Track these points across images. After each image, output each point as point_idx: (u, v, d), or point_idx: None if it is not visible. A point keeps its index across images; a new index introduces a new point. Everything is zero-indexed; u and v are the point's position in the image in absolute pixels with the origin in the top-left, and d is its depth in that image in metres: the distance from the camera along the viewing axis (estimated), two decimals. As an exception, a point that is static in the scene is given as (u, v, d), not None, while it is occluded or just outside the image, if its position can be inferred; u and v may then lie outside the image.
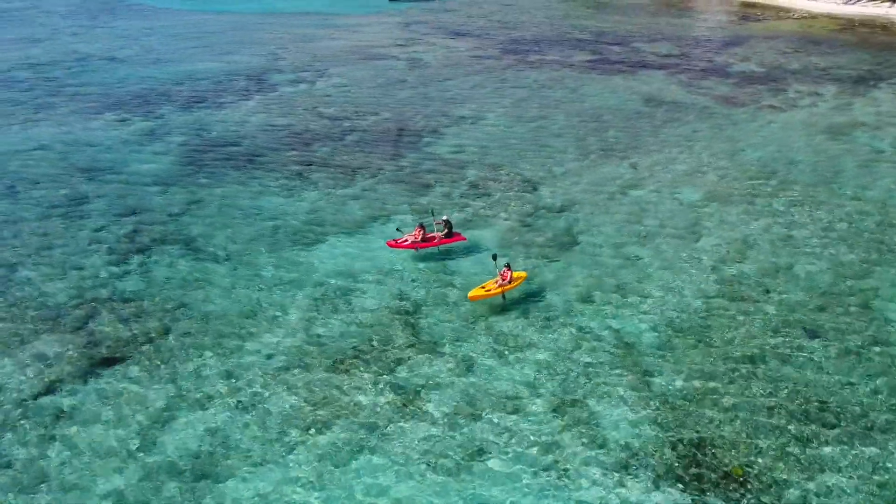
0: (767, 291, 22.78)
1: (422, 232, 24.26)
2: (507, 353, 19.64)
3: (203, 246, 25.40)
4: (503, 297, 21.51)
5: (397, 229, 25.23)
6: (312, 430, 16.56)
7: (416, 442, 16.27)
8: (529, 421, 17.02)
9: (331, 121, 40.69)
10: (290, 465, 15.49)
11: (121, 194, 29.82)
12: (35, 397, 17.39)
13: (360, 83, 49.68)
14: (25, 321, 20.50)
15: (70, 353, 19.08)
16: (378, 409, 17.27)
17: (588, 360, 19.38)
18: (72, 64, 54.13)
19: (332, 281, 23.16)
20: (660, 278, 23.60)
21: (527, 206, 29.34)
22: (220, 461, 15.54)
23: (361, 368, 18.81)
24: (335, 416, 17.02)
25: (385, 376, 18.50)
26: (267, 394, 17.74)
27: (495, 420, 17.03)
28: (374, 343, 19.92)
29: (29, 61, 54.87)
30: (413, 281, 23.30)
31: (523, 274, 22.66)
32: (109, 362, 18.81)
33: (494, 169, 33.41)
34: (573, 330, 20.74)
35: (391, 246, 24.38)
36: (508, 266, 21.68)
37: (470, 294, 21.35)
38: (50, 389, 17.66)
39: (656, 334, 20.42)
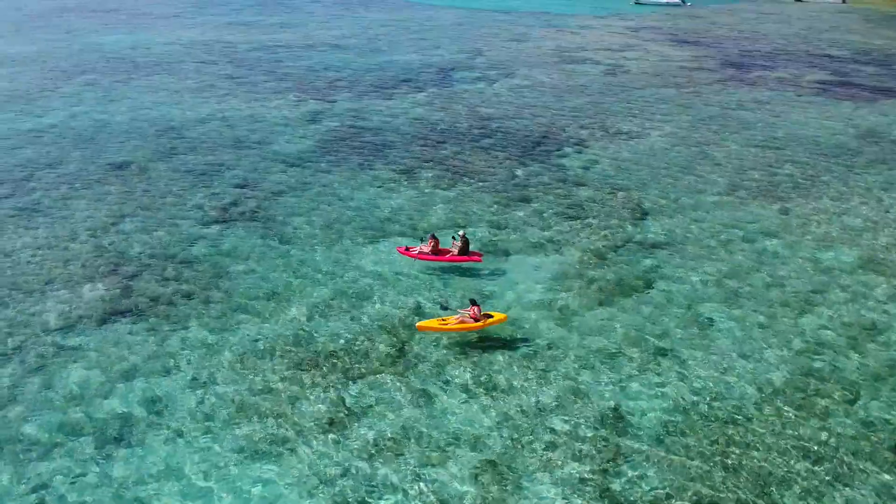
0: (852, 402, 17.17)
1: (434, 243, 22.79)
2: (476, 396, 17.51)
3: (279, 226, 26.65)
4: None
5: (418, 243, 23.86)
6: (237, 420, 16.47)
7: (313, 463, 15.30)
8: (439, 479, 14.97)
9: (480, 121, 40.02)
10: (194, 448, 15.57)
11: (250, 168, 32.61)
12: (56, 330, 19.81)
13: (539, 87, 48.17)
14: (91, 265, 23.46)
15: (101, 297, 21.40)
16: (307, 418, 16.59)
17: (558, 426, 16.46)
18: (298, 49, 60.56)
19: (362, 281, 22.77)
20: (717, 352, 19.14)
21: (618, 237, 25.82)
22: (139, 426, 16.21)
23: (323, 372, 18.23)
24: (266, 413, 16.73)
25: (338, 387, 17.70)
26: (223, 374, 18.06)
27: (409, 465, 15.30)
28: (354, 350, 19.15)
29: (267, 44, 62.72)
30: (433, 295, 21.89)
31: (502, 316, 19.87)
32: (126, 313, 20.69)
33: (613, 191, 30.00)
34: (563, 386, 17.78)
35: (401, 252, 23.31)
36: (474, 302, 19.29)
37: (419, 324, 19.34)
38: (68, 325, 20.00)
39: (661, 421, 16.59)
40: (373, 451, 15.68)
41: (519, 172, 32.15)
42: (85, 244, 24.89)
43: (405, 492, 14.56)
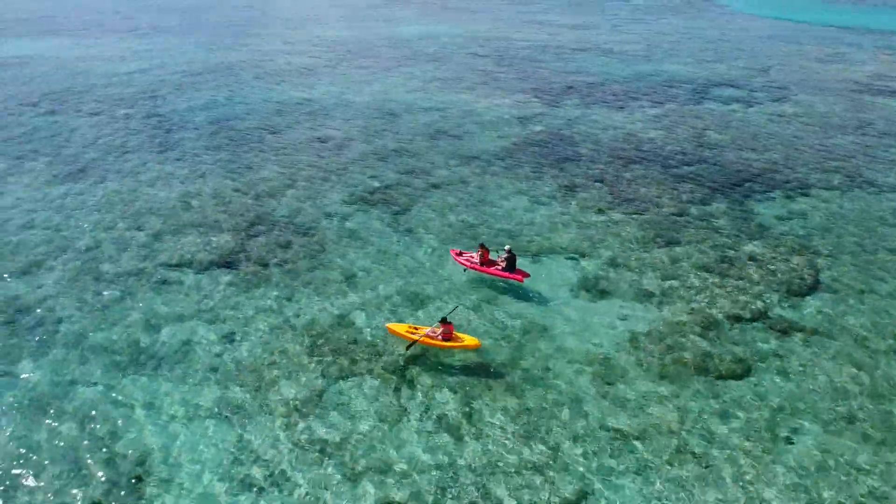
0: None
1: (482, 253, 21.54)
2: (439, 432, 16.19)
3: (409, 217, 27.31)
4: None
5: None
6: (228, 381, 17.80)
7: (254, 438, 15.87)
8: (338, 498, 14.33)
9: (696, 147, 35.41)
10: (184, 388, 17.29)
11: (425, 158, 33.86)
12: (168, 265, 23.45)
13: (806, 116, 40.71)
14: (234, 219, 26.84)
15: (219, 246, 24.59)
16: (281, 396, 17.16)
17: (498, 493, 14.39)
18: (568, 51, 60.14)
19: (435, 286, 22.34)
20: (766, 481, 14.58)
21: (751, 307, 20.87)
22: (158, 361, 18.53)
23: (325, 364, 18.52)
24: (252, 382, 17.74)
25: (326, 377, 17.90)
26: (253, 339, 19.53)
27: (325, 472, 14.95)
28: (369, 348, 19.05)
29: (542, 44, 63.43)
30: (492, 317, 20.48)
31: (475, 341, 18.26)
32: (225, 266, 23.51)
33: (790, 253, 24.22)
34: (535, 455, 15.35)
35: (453, 255, 22.78)
36: (445, 320, 18.08)
37: (389, 325, 19.24)
38: (180, 263, 23.53)
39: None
40: (308, 449, 15.62)
41: (692, 210, 27.78)
42: (245, 199, 28.72)
43: (291, 493, 14.30)
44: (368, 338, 19.51)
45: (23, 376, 17.90)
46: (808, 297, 21.48)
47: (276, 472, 15.05)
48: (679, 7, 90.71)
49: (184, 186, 30.09)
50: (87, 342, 19.26)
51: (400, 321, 20.02)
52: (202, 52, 60.04)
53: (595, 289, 22.16)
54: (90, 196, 29.06)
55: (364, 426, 16.34)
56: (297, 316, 20.64)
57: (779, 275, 22.71)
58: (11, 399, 17.08)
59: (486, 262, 22.03)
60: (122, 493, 14.48)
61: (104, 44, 64.33)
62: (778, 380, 17.78)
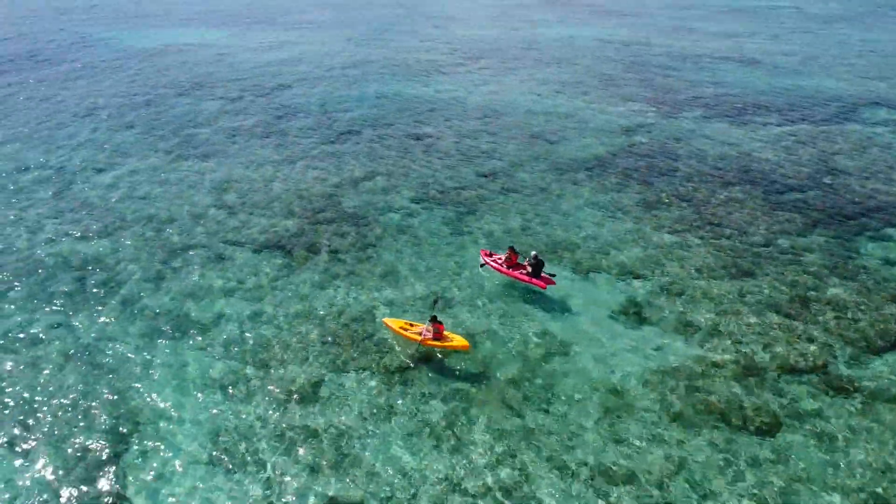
0: None
1: (510, 256, 21.23)
2: (422, 437, 15.91)
3: (472, 219, 27.00)
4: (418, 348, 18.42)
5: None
6: (244, 357, 18.65)
7: (241, 416, 16.56)
8: (292, 483, 14.56)
9: (814, 172, 31.77)
10: (202, 356, 18.42)
11: (509, 161, 33.20)
12: (229, 242, 24.94)
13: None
14: (308, 205, 27.93)
15: (281, 230, 25.76)
16: (283, 380, 17.70)
17: (441, 511, 13.91)
18: (708, 60, 56.32)
19: (469, 291, 21.96)
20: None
21: (811, 359, 18.35)
22: (197, 329, 19.88)
23: (334, 354, 18.78)
24: (264, 360, 18.47)
25: (330, 370, 18.22)
26: (280, 320, 20.30)
27: (299, 465, 15.26)
28: (380, 345, 19.10)
29: (680, 51, 59.86)
30: (495, 314, 19.76)
31: (464, 343, 17.90)
32: (279, 248, 24.61)
33: (889, 300, 21.01)
34: (504, 477, 14.60)
35: (483, 256, 22.52)
36: (435, 319, 17.79)
37: (385, 319, 19.50)
38: (240, 241, 24.97)
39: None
40: (288, 433, 16.01)
41: (782, 241, 24.92)
42: (321, 188, 29.85)
43: (256, 474, 14.73)
44: (383, 334, 19.53)
45: (75, 326, 19.95)
46: (883, 356, 18.49)
47: (251, 450, 15.56)
48: (861, 16, 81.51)
49: (272, 170, 31.88)
50: (137, 305, 21.04)
51: (412, 321, 19.84)
52: (338, 46, 63.18)
53: (637, 313, 20.63)
54: (189, 172, 31.68)
55: (348, 420, 16.42)
56: (328, 304, 21.14)
57: (859, 326, 19.77)
58: (58, 346, 19.09)
59: (512, 265, 21.51)
60: (115, 440, 15.68)
61: (256, 35, 69.70)
62: (811, 444, 15.52)
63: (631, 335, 19.58)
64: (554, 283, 21.23)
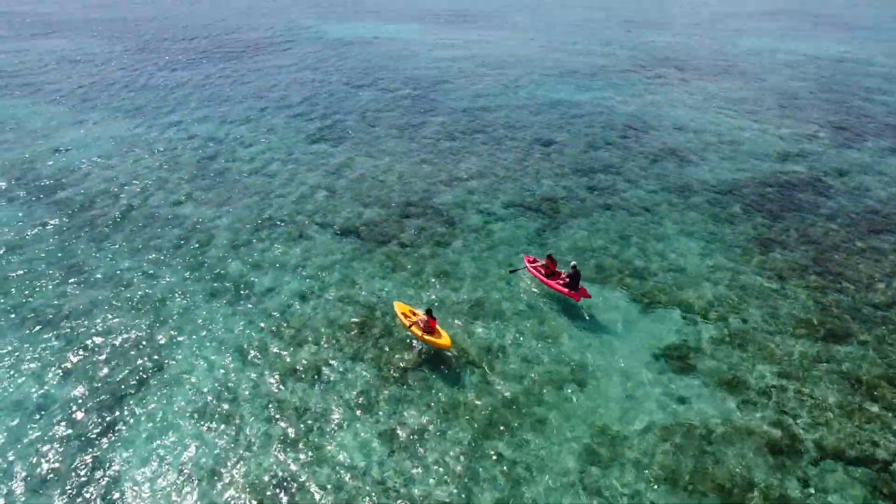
0: None
1: (548, 264, 20.72)
2: (402, 446, 15.93)
3: (544, 229, 26.00)
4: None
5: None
6: (272, 337, 20.04)
7: (260, 388, 17.84)
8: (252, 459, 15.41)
9: None
10: (246, 324, 20.14)
11: (633, 176, 31.23)
12: (316, 224, 26.52)
13: None
14: (397, 197, 28.65)
15: (361, 219, 26.83)
16: (288, 365, 18.66)
17: (366, 512, 13.85)
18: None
19: (506, 302, 21.31)
20: None
21: (858, 446, 15.24)
22: (232, 295, 21.70)
23: (350, 342, 19.26)
24: (292, 336, 19.60)
25: (339, 357, 18.81)
26: (316, 301, 21.42)
27: (285, 449, 16.18)
28: (402, 344, 19.27)
29: (871, 71, 51.48)
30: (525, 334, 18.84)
31: (447, 341, 17.72)
32: (353, 236, 25.68)
33: None
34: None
35: (527, 262, 22.35)
36: (430, 313, 17.89)
37: (396, 303, 20.24)
38: (323, 224, 26.47)
39: None
40: (273, 406, 16.92)
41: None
42: (423, 183, 30.45)
43: (236, 436, 15.83)
44: (404, 333, 19.64)
45: (159, 280, 22.72)
46: None
47: (236, 412, 16.64)
48: None
49: (389, 161, 33.19)
50: (212, 267, 23.36)
51: (416, 310, 19.50)
52: (515, 47, 63.40)
53: (682, 357, 18.53)
54: (315, 155, 34.10)
55: (331, 406, 16.85)
56: (372, 294, 21.70)
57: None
58: (139, 294, 21.87)
59: (549, 273, 20.93)
60: (136, 380, 17.73)
61: (446, 33, 72.33)
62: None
63: (664, 380, 17.65)
64: (590, 296, 20.25)
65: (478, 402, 16.85)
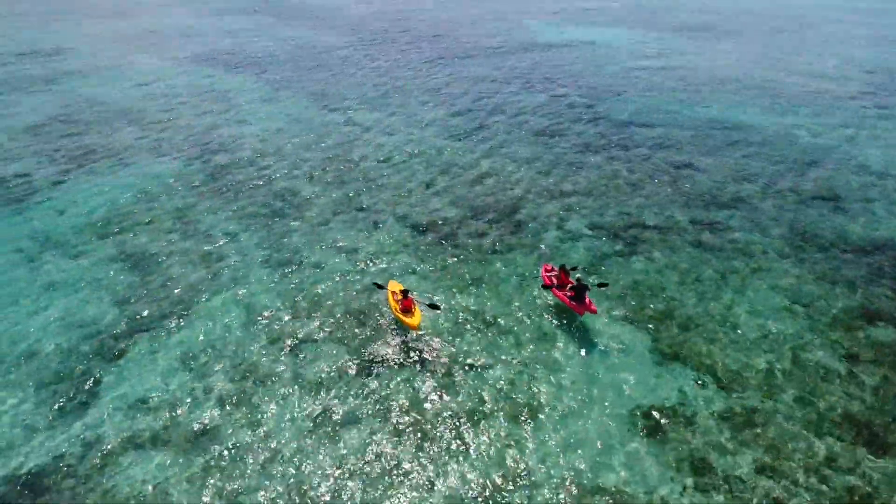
0: None
1: (560, 275, 20.43)
2: (362, 440, 16.74)
3: (606, 257, 24.26)
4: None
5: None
6: (298, 313, 21.79)
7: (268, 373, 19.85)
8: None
9: None
10: (266, 287, 22.30)
11: (754, 223, 27.40)
12: (396, 216, 27.64)
13: None
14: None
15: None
16: (293, 343, 20.26)
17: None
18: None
19: (528, 319, 20.50)
20: None
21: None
22: (283, 269, 23.80)
23: (361, 332, 19.92)
24: (305, 323, 21.19)
25: (342, 346, 19.83)
26: (346, 293, 22.64)
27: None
28: (408, 343, 19.74)
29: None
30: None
31: (416, 321, 19.04)
32: (426, 231, 26.29)
33: None
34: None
35: (543, 269, 22.18)
36: (407, 293, 19.42)
37: (392, 281, 21.51)
38: (404, 217, 27.50)
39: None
40: (266, 382, 18.63)
41: None
42: (516, 191, 29.89)
43: (223, 402, 17.93)
44: (410, 334, 19.87)
45: (236, 236, 25.76)
46: None
47: (222, 369, 18.64)
48: None
49: (500, 165, 33.10)
50: (285, 240, 25.74)
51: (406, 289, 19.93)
52: (732, 61, 57.79)
53: (660, 430, 16.40)
54: (436, 152, 35.16)
55: (315, 390, 17.65)
56: (415, 290, 22.22)
57: None
58: (207, 248, 25.10)
59: (560, 284, 20.68)
60: (158, 317, 20.67)
61: (657, 41, 68.30)
62: None
63: (623, 439, 15.85)
64: (595, 311, 19.49)
65: (445, 418, 16.58)
